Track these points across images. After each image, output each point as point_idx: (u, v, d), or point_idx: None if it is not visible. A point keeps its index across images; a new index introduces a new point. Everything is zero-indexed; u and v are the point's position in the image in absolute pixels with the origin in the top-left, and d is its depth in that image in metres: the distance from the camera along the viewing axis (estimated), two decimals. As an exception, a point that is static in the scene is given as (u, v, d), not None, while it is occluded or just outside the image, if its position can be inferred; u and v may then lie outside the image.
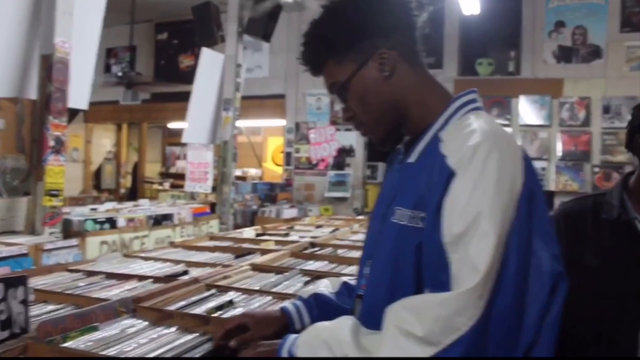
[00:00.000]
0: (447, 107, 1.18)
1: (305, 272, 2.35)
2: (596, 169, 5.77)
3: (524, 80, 6.19)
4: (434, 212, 1.04)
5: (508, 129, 6.05)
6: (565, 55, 6.11)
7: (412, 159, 1.18)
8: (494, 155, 1.02)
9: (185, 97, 5.29)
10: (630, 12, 5.91)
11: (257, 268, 2.43)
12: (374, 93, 1.20)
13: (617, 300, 1.44)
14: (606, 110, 5.81)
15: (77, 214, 4.12)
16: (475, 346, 0.96)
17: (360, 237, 3.46)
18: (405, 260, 1.09)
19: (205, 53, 5.34)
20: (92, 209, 4.65)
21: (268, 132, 9.31)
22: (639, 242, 1.47)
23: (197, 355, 1.43)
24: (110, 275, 2.21)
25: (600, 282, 1.46)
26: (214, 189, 5.60)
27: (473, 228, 0.98)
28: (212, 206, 5.58)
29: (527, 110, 6.07)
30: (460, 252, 0.99)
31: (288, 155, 7.05)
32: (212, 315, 1.71)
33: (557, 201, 5.83)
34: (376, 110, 1.22)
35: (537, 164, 5.93)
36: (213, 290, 2.01)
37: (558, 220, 1.62)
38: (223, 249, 2.96)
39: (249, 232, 3.74)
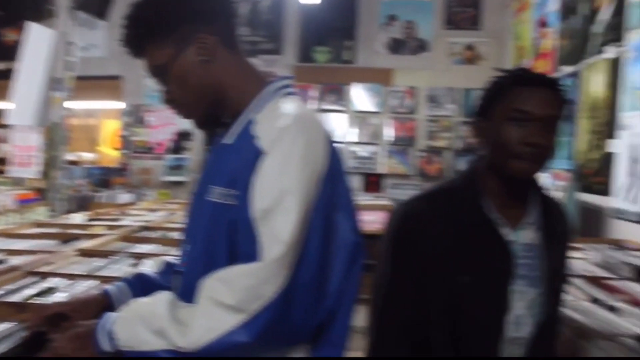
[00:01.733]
0: (261, 91, 1.25)
1: (134, 255, 2.34)
2: (421, 153, 6.24)
3: (358, 68, 6.49)
4: (245, 190, 1.11)
5: (343, 115, 6.34)
6: (396, 46, 6.49)
7: (228, 140, 1.24)
8: (300, 138, 1.11)
9: (10, 74, 4.91)
10: (453, 11, 6.42)
11: (84, 253, 2.37)
12: (192, 77, 1.24)
13: (483, 316, 1.29)
14: (430, 99, 6.29)
15: None
16: (281, 312, 1.05)
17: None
18: (219, 236, 1.15)
19: (33, 28, 4.98)
20: None
21: (104, 115, 8.90)
22: (504, 249, 1.30)
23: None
24: None
25: (468, 299, 1.29)
26: (45, 174, 5.27)
27: (279, 204, 1.07)
28: (42, 192, 5.25)
29: (361, 97, 6.39)
30: (267, 226, 1.07)
31: (125, 139, 6.81)
32: (30, 302, 1.65)
33: (388, 182, 6.23)
34: (195, 94, 1.25)
35: (369, 148, 6.29)
36: (34, 278, 1.94)
37: (406, 224, 1.35)
38: (49, 236, 2.83)
39: (78, 218, 3.60)
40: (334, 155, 1.16)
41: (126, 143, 6.77)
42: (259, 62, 6.36)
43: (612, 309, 1.87)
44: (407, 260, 1.32)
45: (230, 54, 1.27)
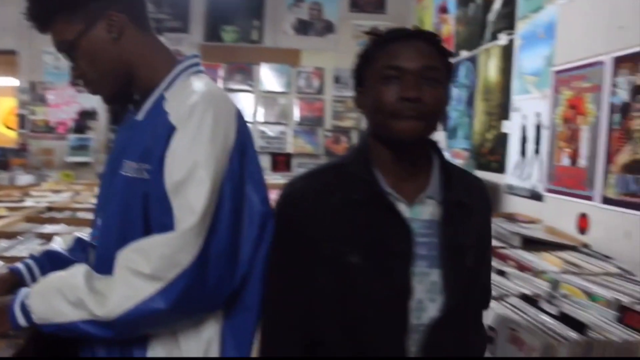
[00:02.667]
0: (172, 69, 1.28)
1: (41, 236, 2.29)
2: (328, 133, 6.37)
3: (266, 49, 6.50)
4: (158, 164, 1.15)
5: (250, 95, 6.35)
6: (303, 28, 6.55)
7: (139, 116, 1.27)
8: (209, 113, 1.16)
9: None
10: (359, -6, 6.56)
11: (-14, 235, 2.30)
12: (102, 53, 1.26)
13: (382, 303, 1.14)
14: (337, 80, 6.42)
15: None
16: (197, 278, 1.10)
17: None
18: (133, 209, 1.19)
19: None
20: None
21: (-2, 92, 8.43)
22: (401, 226, 1.16)
23: None
24: None
25: (363, 283, 1.14)
26: None
27: (191, 176, 1.12)
28: None
29: (269, 78, 6.41)
30: (181, 197, 1.12)
31: (22, 118, 6.49)
32: None
33: (295, 162, 6.32)
34: (104, 70, 1.27)
35: (277, 128, 6.34)
36: None
37: (289, 205, 1.23)
38: (-57, 219, 2.71)
39: (-25, 200, 3.45)
40: (242, 130, 1.22)
41: (24, 122, 6.46)
42: (165, 40, 6.12)
43: (501, 273, 2.05)
44: (293, 244, 1.19)
45: (139, 32, 1.29)
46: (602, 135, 2.50)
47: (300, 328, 1.19)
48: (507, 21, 3.72)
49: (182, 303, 1.10)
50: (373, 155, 1.22)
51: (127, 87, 1.30)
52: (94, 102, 6.12)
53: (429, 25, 5.52)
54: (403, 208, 1.18)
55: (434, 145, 1.27)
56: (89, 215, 2.81)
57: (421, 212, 1.19)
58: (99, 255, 1.25)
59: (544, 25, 3.17)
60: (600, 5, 2.60)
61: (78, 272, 1.16)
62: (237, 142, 1.19)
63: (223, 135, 1.17)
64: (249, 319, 1.23)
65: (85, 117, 6.25)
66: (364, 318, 1.15)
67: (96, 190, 3.97)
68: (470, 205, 1.25)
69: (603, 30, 2.56)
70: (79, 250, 1.49)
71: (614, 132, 2.42)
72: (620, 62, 2.39)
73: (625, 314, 1.64)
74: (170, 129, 1.15)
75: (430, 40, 1.17)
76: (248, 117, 6.16)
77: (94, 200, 3.47)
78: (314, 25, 6.52)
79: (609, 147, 2.44)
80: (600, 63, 2.54)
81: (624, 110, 2.34)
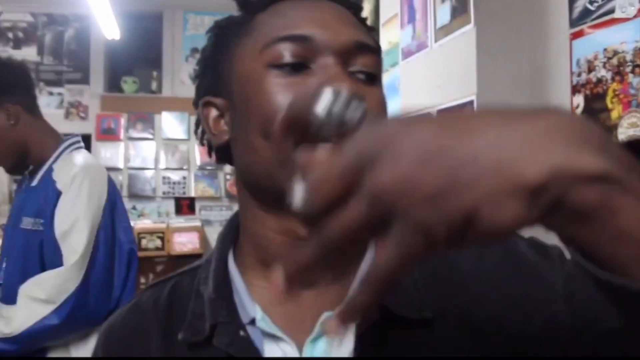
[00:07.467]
0: (58, 146, 1.70)
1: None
2: (228, 177, 6.72)
3: (165, 98, 6.81)
4: (49, 219, 1.56)
5: (152, 142, 6.63)
6: (200, 77, 6.94)
7: (34, 183, 1.68)
8: (86, 180, 1.59)
9: None
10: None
11: None
12: (2, 137, 1.66)
13: None
14: (233, 126, 6.82)
15: None
16: (81, 300, 1.51)
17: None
18: (32, 253, 1.59)
19: None
20: None
21: None
22: None
23: None
24: None
25: None
26: None
27: (73, 227, 1.54)
28: None
29: (169, 125, 6.71)
30: (67, 242, 1.53)
31: None
32: None
33: (198, 205, 6.62)
34: (3, 149, 1.67)
35: (180, 173, 6.62)
36: None
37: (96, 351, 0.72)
38: None
39: None
40: (112, 191, 1.67)
41: None
42: (66, 92, 6.39)
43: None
44: None
45: (31, 118, 1.70)
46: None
47: None
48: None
49: (70, 319, 1.50)
50: (248, 239, 0.66)
51: (23, 160, 1.71)
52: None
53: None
54: (282, 352, 0.59)
55: None
56: None
57: (328, 354, 0.59)
58: (5, 292, 1.64)
59: (398, 78, 3.76)
60: (425, 67, 3.21)
61: (-13, 304, 1.55)
62: (109, 200, 1.62)
63: (97, 196, 1.60)
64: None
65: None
66: None
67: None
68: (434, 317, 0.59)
69: (428, 87, 3.16)
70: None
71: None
72: (441, 113, 2.98)
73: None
74: (58, 193, 1.58)
75: (351, 6, 0.67)
76: (150, 163, 6.46)
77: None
78: (212, 76, 6.91)
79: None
80: (429, 114, 3.12)
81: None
